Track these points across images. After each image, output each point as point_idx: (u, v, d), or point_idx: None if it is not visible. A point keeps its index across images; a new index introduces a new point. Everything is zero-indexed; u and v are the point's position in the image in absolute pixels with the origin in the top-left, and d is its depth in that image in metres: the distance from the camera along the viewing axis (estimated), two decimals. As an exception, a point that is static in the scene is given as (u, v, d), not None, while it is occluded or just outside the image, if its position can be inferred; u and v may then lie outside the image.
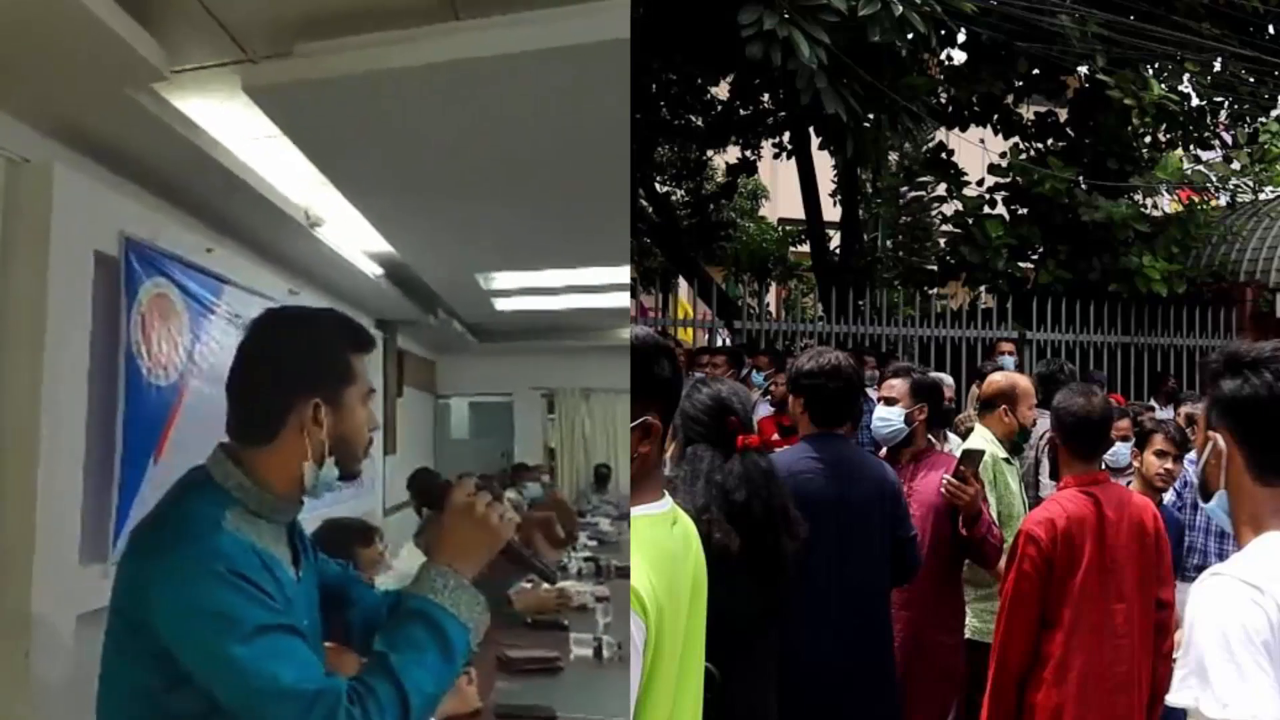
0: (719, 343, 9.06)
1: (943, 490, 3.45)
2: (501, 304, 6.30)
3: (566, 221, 4.03)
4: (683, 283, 11.62)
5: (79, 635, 2.94)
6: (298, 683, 1.50)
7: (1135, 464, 4.08)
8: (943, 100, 9.88)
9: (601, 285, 5.60)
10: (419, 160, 3.23)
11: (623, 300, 6.12)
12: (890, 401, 3.70)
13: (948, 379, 6.31)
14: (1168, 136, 10.69)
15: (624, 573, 5.91)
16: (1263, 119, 11.30)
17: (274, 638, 1.52)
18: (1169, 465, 3.97)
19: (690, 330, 10.03)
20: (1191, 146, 10.93)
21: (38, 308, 2.92)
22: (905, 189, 12.69)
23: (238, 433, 1.70)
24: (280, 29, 2.53)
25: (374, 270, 5.35)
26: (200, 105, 3.03)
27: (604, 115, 2.72)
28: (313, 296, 5.35)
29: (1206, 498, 1.62)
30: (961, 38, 9.13)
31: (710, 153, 13.54)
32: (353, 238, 4.63)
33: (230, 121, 3.14)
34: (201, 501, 1.63)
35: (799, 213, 12.18)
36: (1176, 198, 12.14)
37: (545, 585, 4.87)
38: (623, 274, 5.27)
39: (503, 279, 5.63)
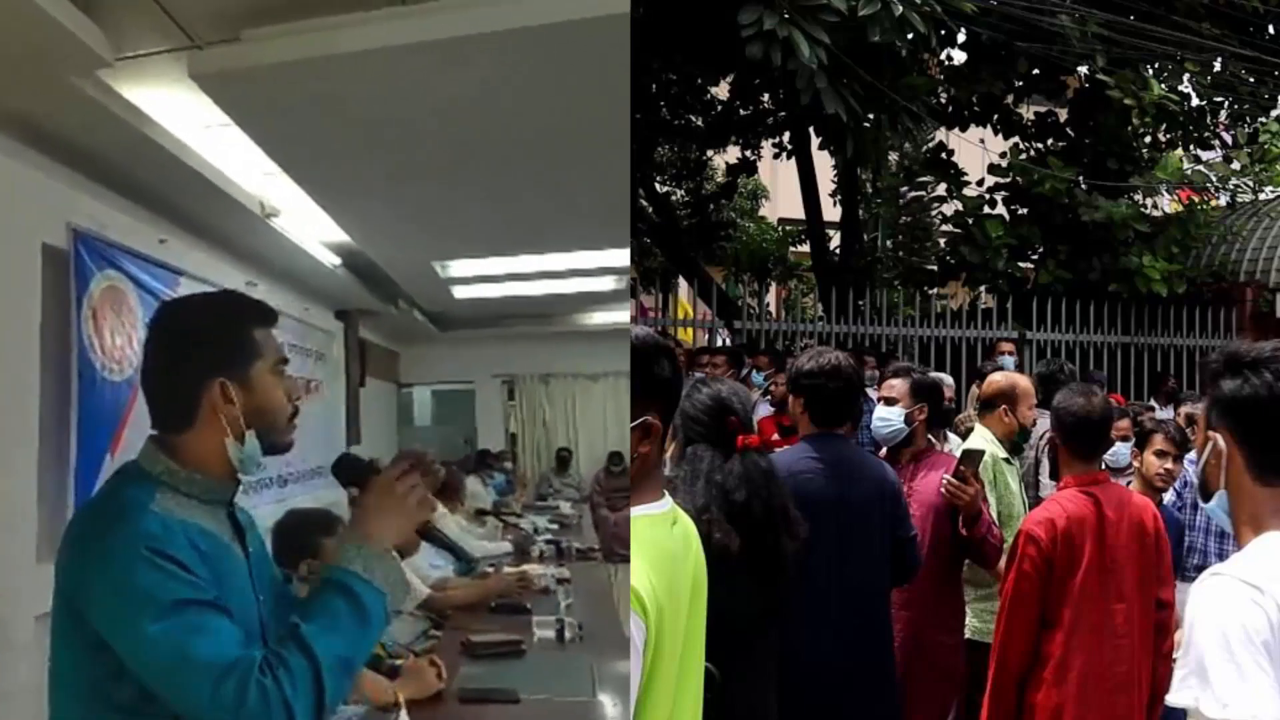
0: (719, 343, 9.06)
1: (943, 490, 3.45)
2: (461, 292, 6.30)
3: (543, 206, 3.98)
4: (683, 283, 11.61)
5: (37, 635, 2.91)
6: (210, 656, 1.52)
7: (1135, 464, 4.08)
8: (943, 100, 9.88)
9: (565, 270, 5.60)
10: (373, 148, 3.19)
11: (588, 285, 6.11)
12: (890, 401, 3.70)
13: (948, 379, 6.31)
14: (1168, 136, 10.69)
15: (585, 555, 5.98)
16: (1263, 119, 11.30)
17: (190, 612, 1.54)
18: (1169, 465, 3.96)
19: (690, 330, 10.03)
20: (1191, 146, 10.93)
21: (-16, 301, 2.87)
22: (905, 189, 12.69)
23: (160, 422, 1.73)
24: (226, 15, 2.49)
25: (333, 260, 5.32)
26: (147, 93, 2.98)
27: (590, 96, 2.69)
28: (271, 287, 5.32)
29: (1206, 498, 1.62)
30: (961, 38, 9.13)
31: (710, 153, 13.53)
32: (310, 227, 4.60)
33: (179, 110, 3.09)
34: (130, 488, 1.66)
35: (799, 213, 12.18)
36: (1176, 198, 12.13)
37: (507, 568, 4.92)
38: (600, 258, 5.24)
39: (461, 267, 5.62)
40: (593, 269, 5.59)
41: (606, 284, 6.16)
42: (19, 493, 2.99)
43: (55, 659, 1.67)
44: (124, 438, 3.55)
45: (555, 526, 7.03)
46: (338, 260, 5.40)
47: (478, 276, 5.87)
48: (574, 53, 2.43)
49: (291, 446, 1.82)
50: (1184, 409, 5.80)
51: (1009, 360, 7.16)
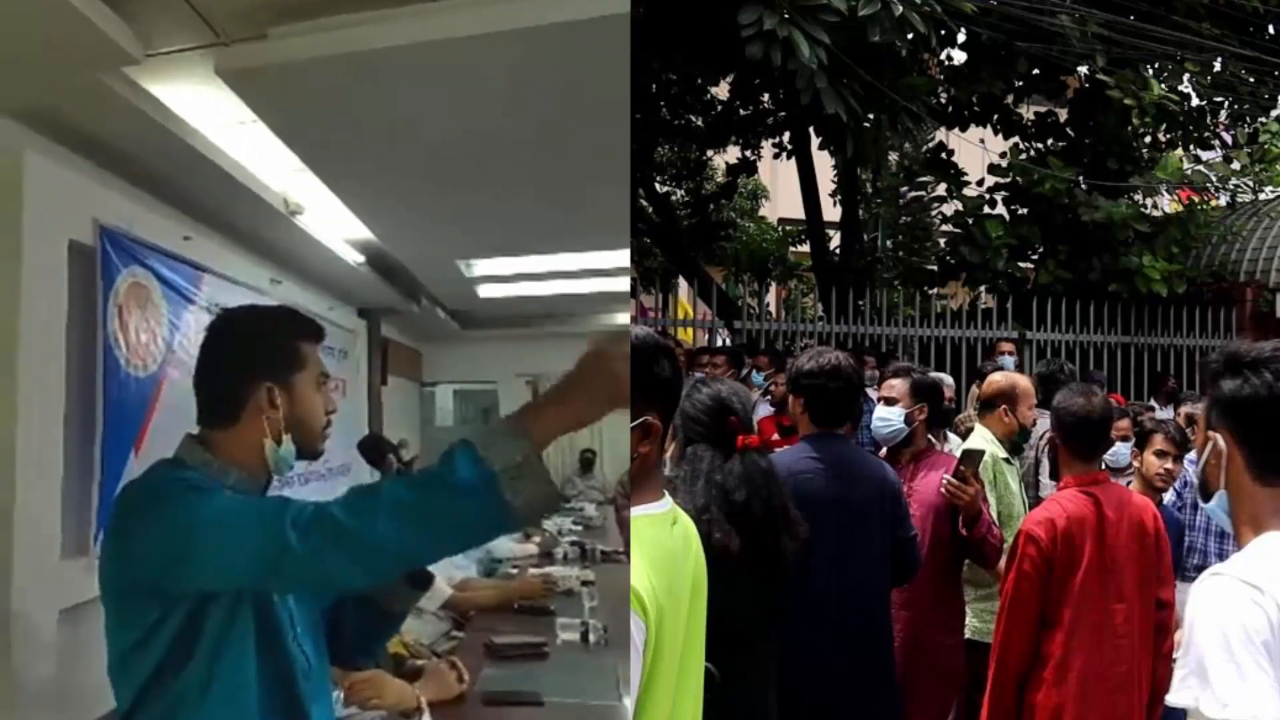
0: (719, 343, 9.06)
1: (943, 490, 3.45)
2: (485, 291, 6.30)
3: (553, 206, 3.97)
4: (683, 283, 11.61)
5: (61, 631, 2.92)
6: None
7: (1135, 464, 4.08)
8: (943, 100, 9.87)
9: (584, 270, 5.59)
10: (399, 145, 3.18)
11: (606, 285, 6.10)
12: (890, 401, 3.70)
13: (948, 379, 6.31)
14: (1168, 136, 10.69)
15: (609, 557, 5.95)
16: (1263, 119, 11.30)
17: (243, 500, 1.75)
18: (1169, 465, 3.96)
19: (690, 330, 10.03)
20: (1191, 146, 10.93)
21: (11, 299, 2.88)
22: (905, 189, 12.67)
23: (205, 418, 1.85)
24: (254, 11, 2.50)
25: (356, 258, 5.31)
26: (175, 90, 2.98)
27: (591, 96, 2.68)
28: (294, 284, 5.31)
29: (1206, 498, 1.62)
30: (961, 38, 9.12)
31: (710, 153, 13.53)
32: (334, 225, 4.58)
33: (206, 106, 3.09)
34: (170, 470, 1.80)
35: (799, 213, 12.17)
36: (1176, 198, 12.13)
37: (531, 570, 4.90)
38: (606, 259, 5.24)
39: (485, 265, 5.62)
40: (618, 269, 5.57)
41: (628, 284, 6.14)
42: (43, 489, 2.98)
43: (115, 648, 1.75)
44: (148, 434, 3.54)
45: (579, 528, 6.99)
46: (361, 258, 5.38)
47: (502, 276, 5.85)
48: (588, 48, 2.42)
49: (322, 454, 1.92)
50: (1184, 409, 5.80)
51: (1009, 360, 7.16)
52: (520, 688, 3.16)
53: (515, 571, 4.83)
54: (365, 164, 3.43)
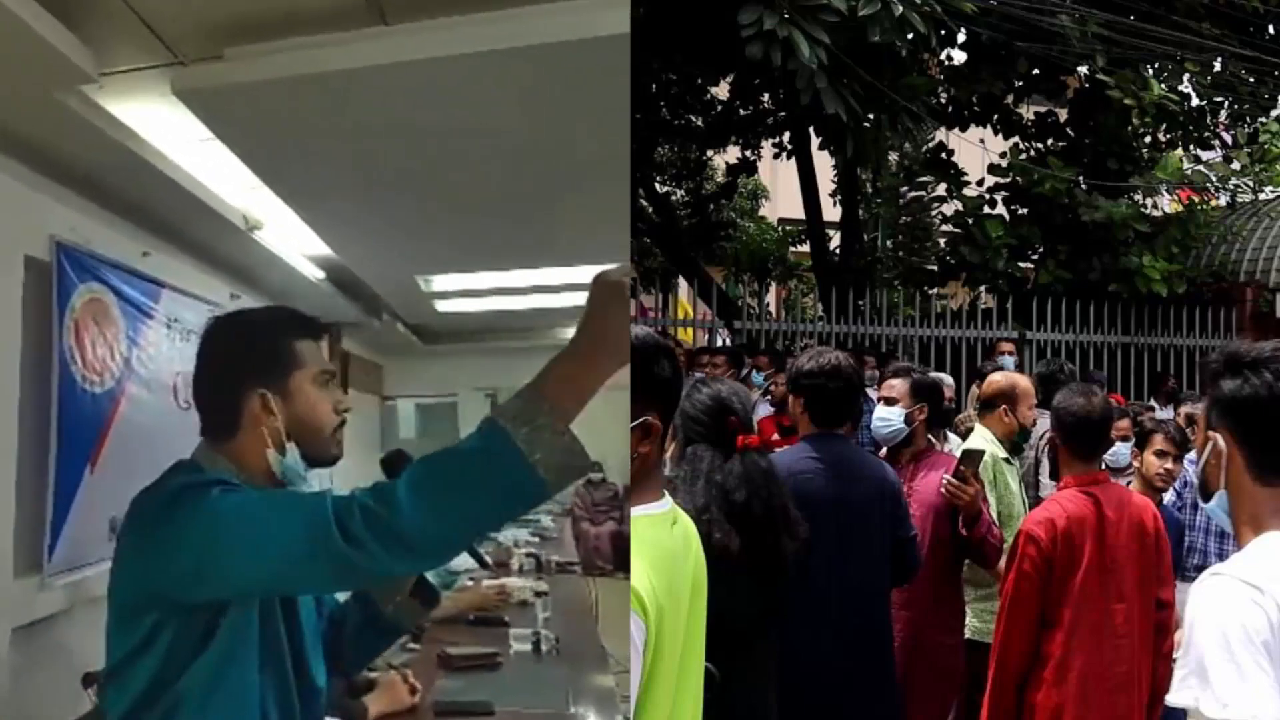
0: (719, 343, 9.07)
1: (943, 490, 3.45)
2: (443, 306, 6.33)
3: (515, 223, 3.99)
4: (683, 283, 11.62)
5: (13, 649, 2.88)
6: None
7: (1135, 464, 4.08)
8: (943, 100, 9.88)
9: (566, 285, 5.60)
10: (356, 163, 3.21)
11: (563, 300, 6.14)
12: (890, 401, 3.70)
13: (948, 379, 6.31)
14: (1168, 136, 10.69)
15: (564, 568, 5.98)
16: (1263, 119, 11.30)
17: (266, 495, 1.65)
18: (1169, 465, 3.96)
19: (690, 330, 10.03)
20: (1191, 146, 10.93)
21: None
22: (905, 189, 12.68)
23: (207, 431, 1.78)
24: (210, 32, 2.52)
25: (316, 273, 5.34)
26: (131, 108, 3.00)
27: (588, 114, 2.71)
28: (254, 300, 5.31)
29: (1206, 498, 1.62)
30: (961, 38, 9.13)
31: (710, 153, 13.54)
32: (293, 240, 4.60)
33: (163, 124, 3.10)
34: (200, 477, 1.68)
35: (799, 213, 12.18)
36: (1176, 198, 12.14)
37: (486, 581, 4.92)
38: (564, 275, 5.27)
39: (444, 281, 5.64)
40: (579, 285, 5.57)
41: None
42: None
43: (113, 656, 1.67)
44: (105, 451, 3.47)
45: (535, 539, 7.03)
46: (321, 274, 5.40)
47: (461, 290, 5.88)
48: (572, 72, 2.44)
49: (338, 459, 1.81)
50: (1184, 409, 5.80)
51: (1009, 360, 7.16)
52: (473, 698, 3.18)
53: (471, 583, 4.85)
54: (324, 181, 3.44)
